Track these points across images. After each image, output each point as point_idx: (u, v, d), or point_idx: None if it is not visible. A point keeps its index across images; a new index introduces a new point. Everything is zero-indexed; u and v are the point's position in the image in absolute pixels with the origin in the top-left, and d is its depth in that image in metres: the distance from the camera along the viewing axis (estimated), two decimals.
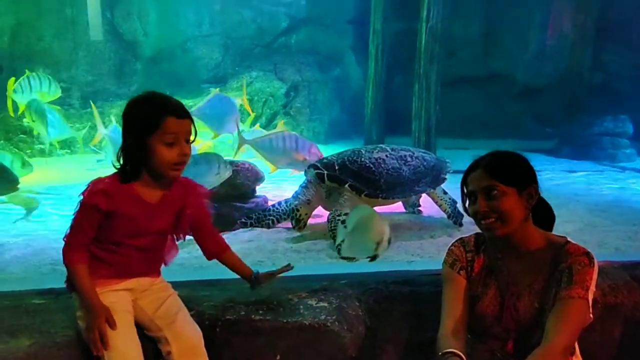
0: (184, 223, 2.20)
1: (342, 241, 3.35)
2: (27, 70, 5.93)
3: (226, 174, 3.92)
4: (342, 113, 10.05)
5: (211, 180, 3.77)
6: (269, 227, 4.16)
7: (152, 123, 1.98)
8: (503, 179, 2.00)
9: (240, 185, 4.26)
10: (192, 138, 2.07)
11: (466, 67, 9.79)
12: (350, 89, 10.24)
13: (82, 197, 2.02)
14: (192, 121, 2.07)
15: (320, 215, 4.23)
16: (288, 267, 2.36)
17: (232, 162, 4.15)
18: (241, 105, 6.21)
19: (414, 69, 6.94)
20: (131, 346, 2.00)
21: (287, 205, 4.15)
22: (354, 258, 3.25)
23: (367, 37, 8.88)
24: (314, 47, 10.11)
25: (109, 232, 2.05)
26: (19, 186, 4.98)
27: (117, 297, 2.08)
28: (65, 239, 2.05)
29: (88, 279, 2.02)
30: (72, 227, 2.04)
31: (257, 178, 4.39)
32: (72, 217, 2.05)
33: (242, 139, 5.05)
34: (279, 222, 4.20)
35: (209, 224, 2.32)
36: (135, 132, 2.00)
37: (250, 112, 6.77)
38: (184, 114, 2.04)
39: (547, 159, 7.66)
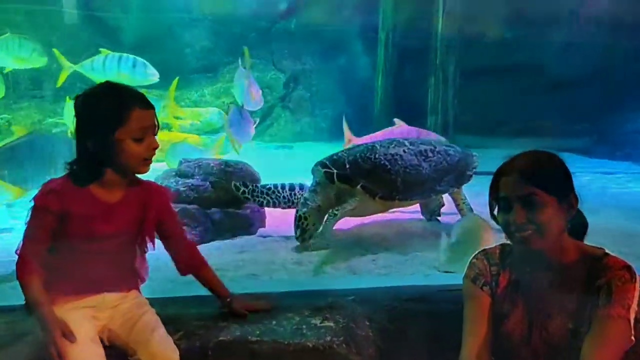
0: (148, 226, 2.21)
1: (443, 253, 3.33)
2: (101, 50, 5.64)
3: None
4: (348, 106, 10.05)
5: None
6: (261, 205, 4.15)
7: (116, 117, 2.01)
8: (544, 187, 1.96)
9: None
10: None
11: (487, 57, 9.78)
12: (357, 79, 10.24)
13: (33, 202, 2.03)
14: (155, 112, 2.11)
15: None
16: (267, 305, 2.48)
17: (225, 163, 4.14)
18: (164, 106, 5.86)
19: (428, 59, 6.96)
20: None
21: (291, 195, 4.12)
22: (454, 272, 3.24)
23: (376, 22, 8.89)
24: (316, 33, 10.12)
25: (65, 238, 2.05)
26: None
27: (77, 315, 2.07)
28: (17, 252, 2.05)
29: (40, 291, 2.00)
30: (24, 237, 2.05)
31: (253, 180, 4.35)
32: (24, 226, 2.05)
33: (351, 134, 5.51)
34: (273, 206, 4.16)
35: (178, 231, 2.36)
36: (98, 130, 2.02)
37: (182, 114, 6.55)
38: (149, 105, 2.08)
39: (579, 159, 7.63)
